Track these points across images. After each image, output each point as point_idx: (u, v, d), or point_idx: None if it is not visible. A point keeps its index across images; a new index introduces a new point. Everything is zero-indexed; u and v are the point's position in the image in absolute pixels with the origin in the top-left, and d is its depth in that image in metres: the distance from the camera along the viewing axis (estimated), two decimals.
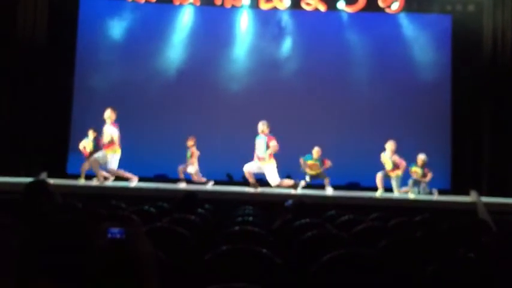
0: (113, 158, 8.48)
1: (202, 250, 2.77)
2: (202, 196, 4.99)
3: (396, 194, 8.88)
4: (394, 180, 8.97)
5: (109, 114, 8.49)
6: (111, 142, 8.44)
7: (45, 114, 10.38)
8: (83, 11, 11.30)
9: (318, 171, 9.46)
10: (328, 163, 9.42)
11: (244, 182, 9.78)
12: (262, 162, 8.48)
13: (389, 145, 8.98)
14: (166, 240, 2.78)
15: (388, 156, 8.98)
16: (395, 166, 8.96)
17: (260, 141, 8.54)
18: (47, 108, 10.41)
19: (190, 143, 9.49)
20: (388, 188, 9.04)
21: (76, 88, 11.04)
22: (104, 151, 8.53)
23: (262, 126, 8.51)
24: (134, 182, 8.52)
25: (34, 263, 0.86)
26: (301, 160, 9.46)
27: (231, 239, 3.04)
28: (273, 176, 8.49)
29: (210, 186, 9.16)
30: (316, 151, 9.44)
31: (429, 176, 9.21)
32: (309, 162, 9.44)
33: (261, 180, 8.79)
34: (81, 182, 9.00)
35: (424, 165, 9.18)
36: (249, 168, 8.57)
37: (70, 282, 0.85)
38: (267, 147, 8.40)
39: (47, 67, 10.43)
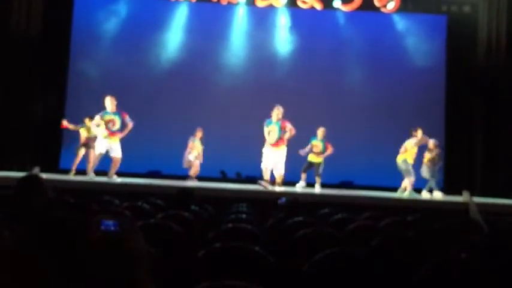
0: (115, 145, 8.51)
1: (195, 247, 2.77)
2: (195, 193, 4.98)
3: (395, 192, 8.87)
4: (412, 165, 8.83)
5: (110, 100, 8.55)
6: (119, 131, 8.51)
7: (39, 109, 10.33)
8: (78, 3, 11.26)
9: (319, 156, 9.34)
10: (330, 149, 9.32)
11: (238, 179, 9.79)
12: (276, 147, 8.55)
13: (419, 133, 8.86)
14: (159, 237, 2.78)
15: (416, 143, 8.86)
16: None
17: (273, 128, 8.60)
18: (40, 102, 10.35)
19: (200, 133, 9.70)
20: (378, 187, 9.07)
21: (70, 82, 11.01)
22: (108, 141, 8.51)
23: (276, 112, 8.60)
24: (115, 179, 8.53)
25: (28, 258, 0.86)
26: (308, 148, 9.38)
27: (224, 237, 3.04)
28: (281, 165, 8.58)
29: (190, 182, 9.15)
30: (321, 131, 9.38)
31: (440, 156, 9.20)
32: (314, 142, 9.39)
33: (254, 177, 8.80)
34: (72, 174, 8.99)
35: (436, 148, 9.14)
36: (267, 165, 8.65)
37: (64, 278, 0.85)
38: (282, 131, 8.53)
39: (41, 61, 10.37)
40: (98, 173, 8.65)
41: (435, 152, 9.14)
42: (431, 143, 9.12)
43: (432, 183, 9.13)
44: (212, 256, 2.43)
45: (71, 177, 8.76)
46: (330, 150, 9.32)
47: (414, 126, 9.00)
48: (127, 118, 8.56)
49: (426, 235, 3.01)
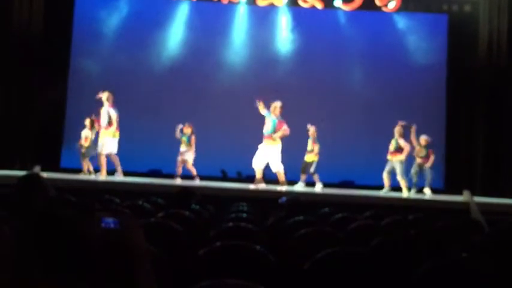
0: (112, 142, 8.58)
1: (196, 246, 2.77)
2: (196, 192, 4.98)
3: (386, 190, 8.84)
4: (399, 164, 8.80)
5: (107, 97, 8.70)
6: (110, 123, 8.56)
7: (40, 108, 10.33)
8: (79, 1, 11.27)
9: (309, 154, 9.30)
10: (316, 146, 9.28)
11: (239, 179, 9.76)
12: (267, 141, 8.54)
13: (397, 128, 8.87)
14: (160, 236, 2.78)
15: (395, 138, 8.87)
16: (399, 149, 8.84)
17: (268, 120, 8.62)
18: (41, 101, 10.35)
19: (189, 130, 9.43)
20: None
21: (71, 80, 11.01)
22: (104, 137, 8.59)
23: (275, 105, 8.61)
24: (120, 177, 8.57)
25: (29, 257, 0.86)
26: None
27: (224, 235, 3.04)
28: (276, 160, 8.54)
29: (197, 182, 9.09)
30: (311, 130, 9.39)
31: (432, 158, 9.07)
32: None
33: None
34: (85, 173, 9.07)
35: (427, 146, 9.13)
36: (259, 163, 8.60)
37: (66, 276, 0.85)
38: (275, 129, 8.51)
39: (42, 58, 10.37)
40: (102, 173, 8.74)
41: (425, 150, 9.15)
42: (423, 139, 9.11)
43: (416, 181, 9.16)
44: (213, 255, 2.44)
45: (82, 176, 8.81)
46: (316, 148, 9.27)
47: (412, 123, 9.04)
48: (111, 110, 8.70)
49: (427, 235, 3.01)
